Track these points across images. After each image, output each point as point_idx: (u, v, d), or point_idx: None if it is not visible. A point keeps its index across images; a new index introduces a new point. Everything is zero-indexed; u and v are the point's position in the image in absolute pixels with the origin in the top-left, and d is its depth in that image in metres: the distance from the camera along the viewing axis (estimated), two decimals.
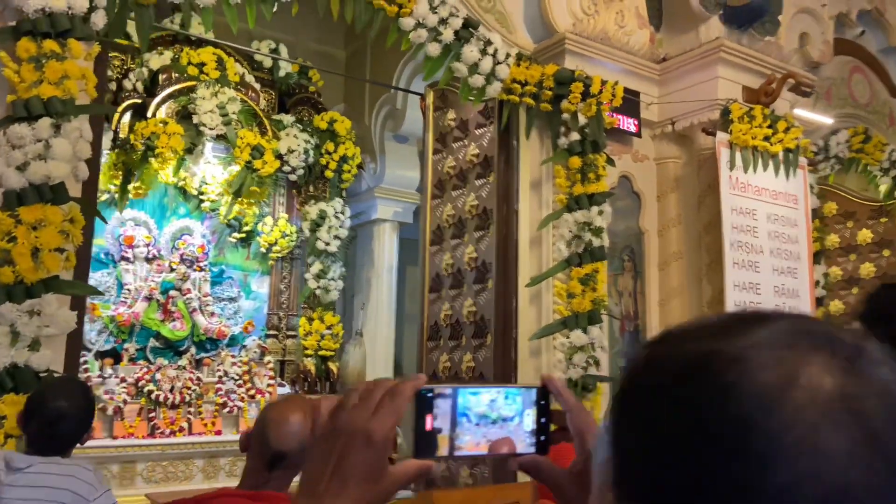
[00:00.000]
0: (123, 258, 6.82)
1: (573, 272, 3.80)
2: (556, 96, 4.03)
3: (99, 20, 2.50)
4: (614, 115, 4.19)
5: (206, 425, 6.33)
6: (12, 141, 2.22)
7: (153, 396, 6.15)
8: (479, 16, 3.98)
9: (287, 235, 7.32)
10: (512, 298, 4.14)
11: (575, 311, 3.75)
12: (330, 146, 6.84)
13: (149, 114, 5.83)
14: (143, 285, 6.78)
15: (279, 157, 6.49)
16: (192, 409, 6.33)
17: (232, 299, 7.49)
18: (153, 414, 6.14)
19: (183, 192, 7.31)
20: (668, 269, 4.46)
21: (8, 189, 2.22)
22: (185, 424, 6.21)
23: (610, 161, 4.10)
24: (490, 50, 3.89)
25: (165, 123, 5.75)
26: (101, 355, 6.51)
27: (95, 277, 6.75)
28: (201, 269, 7.18)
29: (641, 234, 4.52)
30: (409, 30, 3.67)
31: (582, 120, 3.91)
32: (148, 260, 6.96)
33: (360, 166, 7.22)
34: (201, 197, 7.33)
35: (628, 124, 4.35)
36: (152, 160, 5.85)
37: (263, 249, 7.54)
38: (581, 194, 3.85)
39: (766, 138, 4.14)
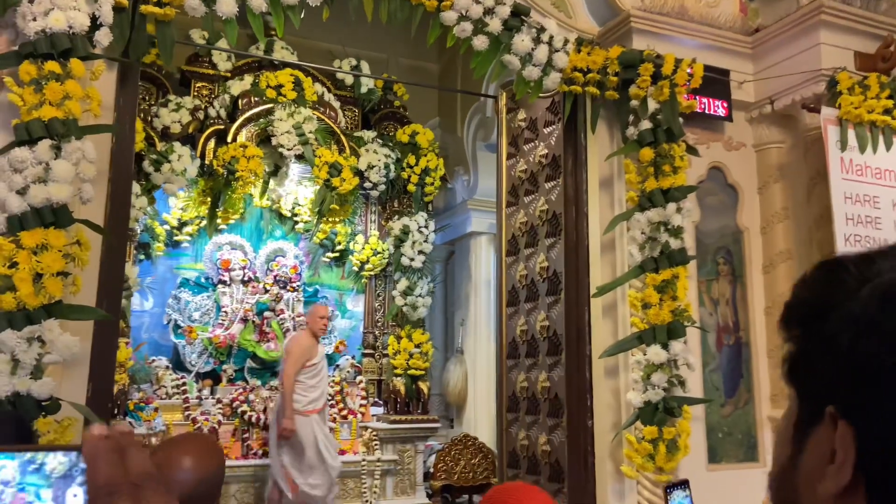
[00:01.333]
0: (221, 281, 7.09)
1: (648, 279, 3.36)
2: (624, 82, 3.62)
3: (103, 38, 2.49)
4: (696, 97, 3.71)
5: None
6: (14, 165, 2.24)
7: (246, 417, 6.29)
8: (530, 1, 3.67)
9: (378, 253, 7.29)
10: (584, 311, 3.75)
11: (652, 323, 3.30)
12: (411, 159, 6.74)
13: (229, 139, 6.02)
14: (239, 307, 7.00)
15: (359, 173, 6.48)
16: None
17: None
18: (247, 434, 6.27)
19: (278, 214, 7.52)
20: (775, 271, 3.87)
21: (10, 214, 2.23)
22: None
23: (691, 150, 3.62)
24: (544, 37, 3.56)
25: (245, 147, 5.91)
26: (201, 377, 6.79)
27: (196, 301, 7.09)
28: (294, 290, 7.32)
29: (740, 232, 3.96)
30: (451, 24, 3.44)
31: (652, 106, 3.48)
32: (244, 282, 7.19)
33: (444, 178, 7.05)
34: (295, 219, 7.50)
35: (716, 107, 3.84)
36: (235, 184, 6.02)
37: (356, 268, 7.57)
38: (654, 190, 3.41)
39: (887, 111, 3.47)
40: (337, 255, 7.61)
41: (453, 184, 8.84)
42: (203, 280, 7.17)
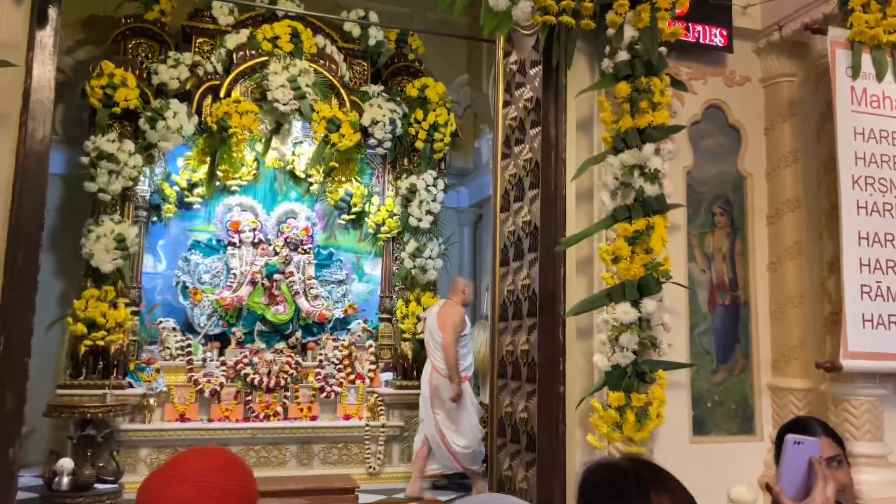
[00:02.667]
0: (231, 243, 7.08)
1: (619, 230, 3.04)
2: (602, 8, 3.26)
3: None
4: (688, 25, 3.31)
5: (301, 410, 6.35)
6: None
7: (249, 380, 6.30)
8: None
9: (395, 215, 7.12)
10: (559, 268, 3.46)
11: (622, 278, 3.00)
12: (419, 114, 6.48)
13: (222, 94, 5.92)
14: (249, 270, 6.99)
15: (363, 130, 6.28)
16: (288, 394, 6.39)
17: (340, 282, 7.48)
18: (249, 397, 6.29)
19: (291, 175, 7.44)
20: (780, 222, 3.47)
21: None
22: (280, 409, 6.28)
23: (678, 85, 3.24)
24: None
25: (238, 102, 5.80)
26: (210, 339, 6.84)
27: (206, 263, 7.11)
28: (305, 252, 7.25)
29: (742, 178, 3.57)
30: None
31: (630, 34, 3.12)
32: (254, 244, 7.16)
33: (455, 134, 6.77)
34: (309, 180, 7.40)
35: (713, 36, 3.43)
36: (230, 142, 5.94)
37: (372, 230, 7.43)
38: (629, 129, 3.07)
39: None
40: (353, 217, 7.48)
41: (479, 143, 8.55)
42: (214, 242, 7.19)
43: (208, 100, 6.03)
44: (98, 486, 4.98)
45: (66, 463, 4.79)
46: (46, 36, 2.83)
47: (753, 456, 3.36)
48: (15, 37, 2.63)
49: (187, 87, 6.06)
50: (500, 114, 4.78)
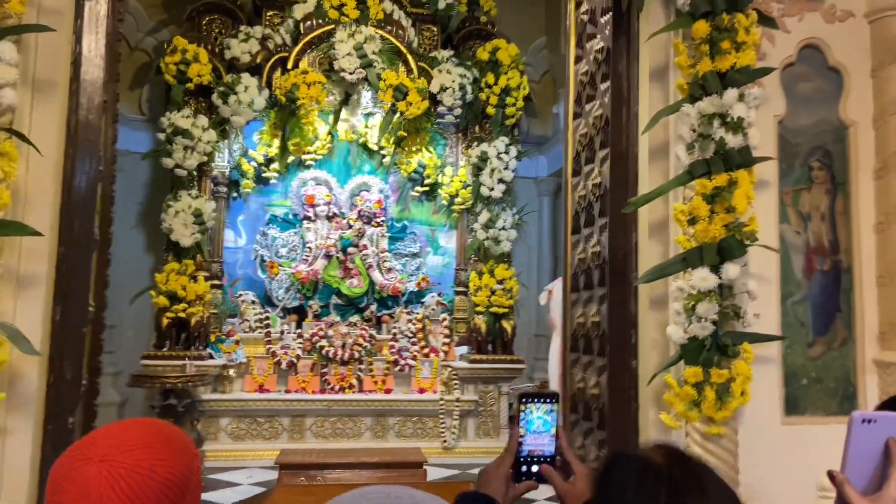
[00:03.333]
0: (306, 217, 7.14)
1: (697, 187, 2.74)
2: None
3: None
4: None
5: (376, 383, 6.35)
6: None
7: (324, 352, 6.35)
8: None
9: (469, 185, 6.96)
10: (630, 232, 3.19)
11: (700, 241, 2.71)
12: (490, 78, 6.23)
13: (289, 65, 5.89)
14: (323, 243, 7.03)
15: (432, 97, 6.11)
16: (362, 367, 6.40)
17: (414, 255, 7.41)
18: (325, 369, 6.34)
19: (365, 148, 7.40)
20: (889, 176, 3.04)
21: None
22: (354, 381, 6.30)
23: (766, 21, 2.87)
24: None
25: (305, 73, 5.75)
26: (288, 312, 6.95)
27: (283, 237, 7.20)
28: (378, 225, 7.21)
29: (844, 128, 3.15)
30: None
31: None
32: (328, 218, 7.19)
33: (528, 98, 6.47)
34: (382, 152, 7.34)
35: None
36: (299, 114, 5.91)
37: (446, 202, 7.30)
38: (708, 74, 2.75)
39: None
40: (426, 188, 7.37)
41: (558, 109, 8.20)
42: (290, 216, 7.27)
43: (278, 72, 6.03)
44: None
45: None
46: (97, 4, 2.81)
47: None
48: (60, 3, 2.61)
49: (258, 60, 6.08)
50: (572, 70, 4.48)
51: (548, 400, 1.26)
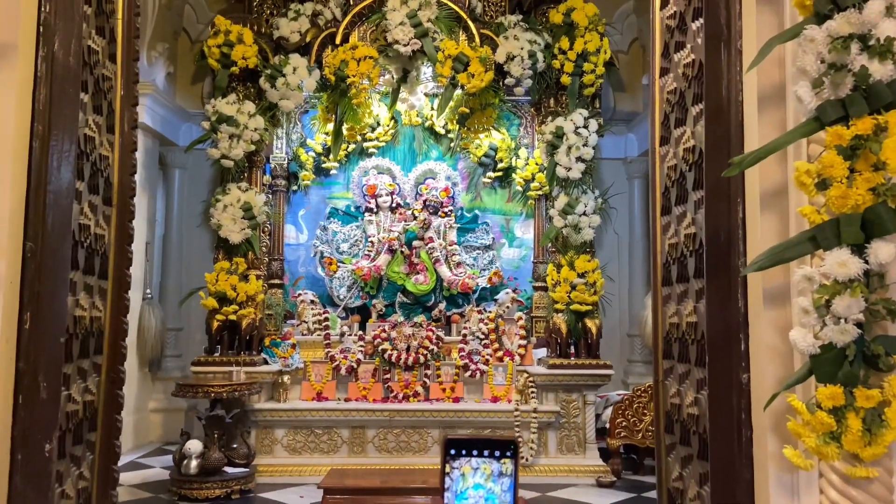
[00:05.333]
0: (368, 209, 6.74)
1: (829, 137, 2.03)
2: None
3: None
4: None
5: (444, 390, 5.83)
6: None
7: (387, 356, 5.89)
8: None
9: (545, 169, 6.33)
10: (735, 206, 2.50)
11: (835, 212, 2.01)
12: (564, 43, 5.56)
13: (338, 40, 5.46)
14: (387, 237, 6.59)
15: (498, 68, 5.51)
16: (429, 372, 5.91)
17: (486, 247, 6.85)
18: (388, 375, 5.89)
19: (431, 132, 6.91)
20: None
21: None
22: (420, 389, 5.82)
23: None
24: None
25: (354, 48, 5.29)
26: (351, 312, 6.55)
27: (344, 232, 6.82)
28: (446, 215, 6.70)
29: None
30: None
31: None
32: (392, 209, 6.75)
33: (610, 63, 5.75)
34: (450, 136, 6.83)
35: None
36: (351, 93, 5.47)
37: (520, 188, 6.71)
38: None
39: None
40: (499, 174, 6.81)
41: (649, 79, 7.42)
42: (352, 209, 6.89)
43: (328, 51, 5.63)
44: (228, 469, 4.84)
45: (194, 445, 4.68)
46: None
47: None
48: None
49: (307, 39, 5.71)
50: (658, 17, 3.77)
51: (494, 454, 0.71)
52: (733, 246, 2.52)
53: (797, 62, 2.20)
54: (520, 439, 5.53)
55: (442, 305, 6.47)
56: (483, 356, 5.95)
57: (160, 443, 6.70)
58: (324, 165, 6.77)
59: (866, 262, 1.96)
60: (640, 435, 5.68)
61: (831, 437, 2.02)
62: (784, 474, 2.30)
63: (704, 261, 2.69)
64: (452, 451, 0.67)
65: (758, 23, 2.47)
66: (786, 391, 2.16)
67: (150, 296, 6.55)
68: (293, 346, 5.90)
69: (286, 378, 5.66)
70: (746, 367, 2.45)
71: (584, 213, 5.68)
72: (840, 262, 1.98)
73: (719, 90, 2.62)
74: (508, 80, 5.66)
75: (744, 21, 2.54)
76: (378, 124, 6.69)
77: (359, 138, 6.55)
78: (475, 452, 0.70)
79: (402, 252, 6.53)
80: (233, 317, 5.52)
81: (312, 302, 6.34)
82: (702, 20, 2.88)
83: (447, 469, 0.69)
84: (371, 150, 6.79)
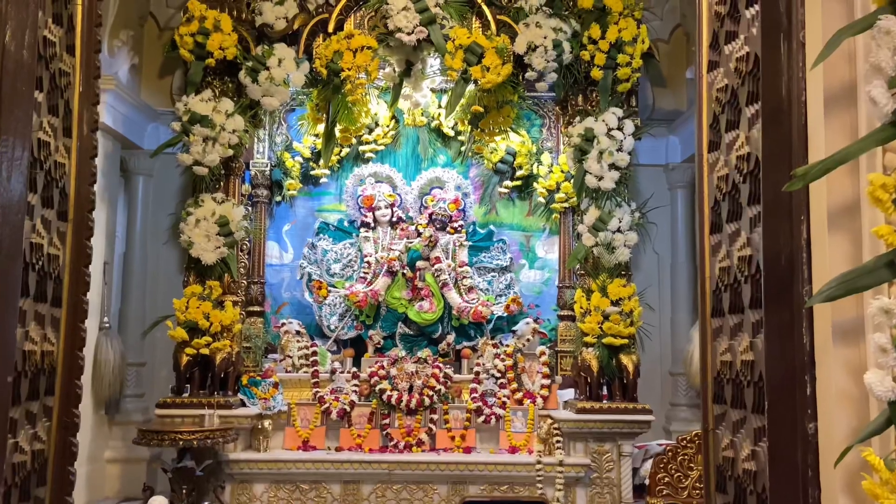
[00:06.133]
0: (363, 224, 6.79)
1: None
2: None
3: None
4: None
5: (453, 439, 5.84)
6: None
7: (385, 398, 5.90)
8: None
9: (572, 177, 6.36)
10: (799, 224, 2.52)
11: None
12: (594, 31, 5.61)
13: (331, 27, 5.53)
14: (386, 256, 6.62)
15: (518, 60, 5.56)
16: (435, 417, 5.91)
17: (503, 269, 6.88)
18: (387, 420, 5.90)
19: (439, 134, 6.97)
20: None
21: None
22: (425, 436, 5.82)
23: None
24: None
25: (350, 38, 5.37)
26: (344, 345, 6.57)
27: (336, 250, 6.86)
28: (455, 231, 6.73)
29: None
30: None
31: None
32: (392, 224, 6.80)
33: (649, 54, 5.80)
34: (460, 138, 6.89)
35: None
36: (345, 89, 5.53)
37: (543, 199, 6.75)
38: None
39: None
40: (518, 183, 6.86)
41: (693, 72, 7.47)
42: (346, 224, 6.94)
43: (319, 40, 5.71)
44: None
45: (159, 502, 4.68)
46: None
47: None
48: None
49: (294, 26, 5.79)
50: (705, 3, 3.83)
51: None
52: (796, 271, 2.53)
53: (870, 58, 2.23)
54: (543, 497, 5.52)
55: (450, 337, 6.47)
56: (499, 398, 5.95)
57: (117, 499, 6.69)
58: (313, 173, 6.82)
59: None
60: (686, 493, 5.64)
61: None
62: None
63: (762, 288, 2.70)
64: None
65: (823, 11, 2.50)
66: (860, 444, 2.16)
67: (107, 325, 6.58)
68: (275, 385, 5.92)
69: (267, 423, 5.67)
70: (813, 414, 2.45)
71: (619, 230, 5.70)
72: None
73: (778, 89, 2.65)
74: (529, 74, 5.71)
75: (807, 9, 2.57)
76: (377, 125, 6.75)
77: (354, 141, 6.61)
78: None
79: (403, 274, 6.56)
80: (205, 350, 5.55)
81: (298, 333, 6.36)
82: (758, 7, 2.92)
83: None
84: (368, 154, 6.84)
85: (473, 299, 6.47)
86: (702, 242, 3.75)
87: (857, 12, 2.42)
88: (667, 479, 5.68)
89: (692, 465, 5.69)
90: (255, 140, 6.38)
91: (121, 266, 7.25)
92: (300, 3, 5.87)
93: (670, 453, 5.70)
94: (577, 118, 5.90)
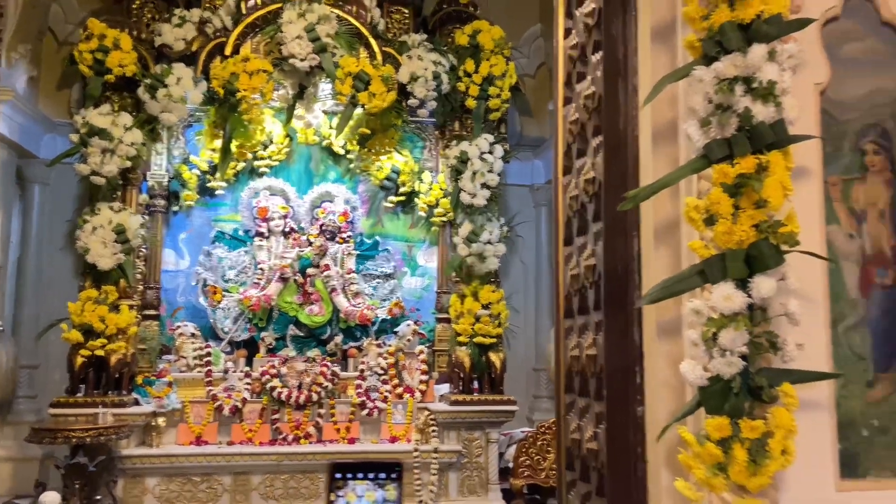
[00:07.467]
0: (258, 233, 6.67)
1: (715, 175, 2.26)
2: None
3: None
4: None
5: (338, 431, 5.82)
6: None
7: (276, 394, 5.83)
8: None
9: (450, 194, 6.49)
10: (631, 239, 2.71)
11: (721, 247, 2.23)
12: (469, 65, 5.79)
13: (228, 51, 5.45)
14: (278, 264, 6.54)
15: (402, 88, 5.66)
16: (322, 411, 5.88)
17: (387, 276, 6.93)
18: (277, 416, 5.82)
19: (329, 152, 6.95)
20: None
21: None
22: (312, 429, 5.78)
23: None
24: None
25: (246, 60, 5.31)
26: (235, 346, 6.44)
27: (231, 258, 6.71)
28: (344, 241, 6.74)
29: None
30: None
31: None
32: (285, 234, 6.72)
33: (516, 88, 6.03)
34: (349, 156, 6.89)
35: None
36: (241, 109, 5.45)
37: (424, 213, 6.85)
38: (727, 25, 2.29)
39: None
40: (402, 198, 6.93)
41: (555, 105, 7.78)
42: (241, 233, 6.80)
43: (217, 61, 5.60)
44: None
45: (51, 498, 4.46)
46: None
47: None
48: None
49: (193, 48, 5.65)
50: (561, 46, 4.03)
51: (375, 477, 0.74)
52: (630, 279, 2.72)
53: (687, 101, 2.45)
54: (419, 482, 5.58)
55: (338, 338, 6.47)
56: (382, 393, 5.99)
57: (9, 496, 6.27)
58: (209, 185, 6.66)
59: (750, 296, 2.19)
60: (545, 474, 5.86)
61: (719, 469, 2.22)
62: None
63: (602, 293, 2.89)
64: (338, 476, 0.72)
65: (653, 61, 2.71)
66: (677, 423, 2.35)
67: (1, 328, 6.18)
68: (169, 384, 5.73)
69: (161, 420, 5.47)
70: (641, 400, 2.64)
71: (490, 242, 5.88)
72: (725, 295, 2.20)
73: (616, 124, 2.84)
74: (412, 101, 5.82)
75: (640, 58, 2.77)
76: (271, 142, 6.67)
77: (250, 156, 6.51)
78: (360, 476, 0.75)
79: (295, 280, 6.50)
80: (100, 352, 5.30)
81: (193, 335, 6.18)
82: (601, 53, 3.13)
83: (332, 498, 0.74)
84: (263, 169, 6.75)
85: (359, 303, 6.48)
86: (556, 253, 3.94)
87: (679, 62, 2.63)
88: (528, 461, 5.89)
89: (549, 448, 5.92)
90: (154, 153, 6.17)
91: (15, 271, 6.82)
92: (199, 26, 5.73)
93: (531, 439, 5.92)
94: (454, 142, 6.04)
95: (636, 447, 2.64)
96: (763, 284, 2.18)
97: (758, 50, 2.26)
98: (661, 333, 2.59)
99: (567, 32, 3.91)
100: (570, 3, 3.79)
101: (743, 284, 2.20)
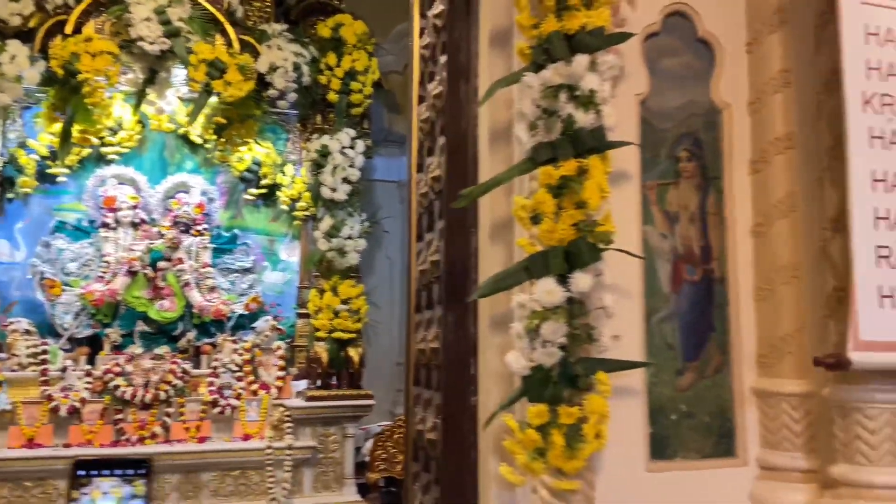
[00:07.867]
0: (104, 224, 6.34)
1: (541, 176, 2.40)
2: None
3: None
4: None
5: (187, 430, 5.66)
6: None
7: (119, 394, 5.59)
8: None
9: (312, 188, 6.44)
10: (470, 235, 2.83)
11: (545, 244, 2.37)
12: (331, 59, 5.77)
13: (68, 29, 5.16)
14: (126, 256, 6.26)
15: (261, 78, 5.57)
16: (171, 410, 5.69)
17: (246, 270, 6.78)
18: (120, 416, 5.58)
19: (186, 141, 6.71)
20: (768, 168, 2.87)
21: None
22: (159, 429, 5.58)
23: None
24: None
25: (89, 41, 5.04)
26: (77, 343, 6.10)
27: (73, 249, 6.35)
28: (199, 234, 6.53)
29: (716, 111, 2.96)
30: None
31: None
32: (134, 225, 6.43)
33: (378, 84, 6.08)
34: (206, 146, 6.69)
35: None
36: (84, 92, 5.18)
37: (286, 207, 6.76)
38: (554, 35, 2.43)
39: None
40: (263, 191, 6.80)
41: (409, 104, 7.89)
42: (85, 223, 6.44)
43: (58, 40, 5.28)
44: None
45: None
46: None
47: (734, 485, 2.77)
48: None
49: (31, 24, 5.30)
50: (416, 44, 4.12)
51: (123, 473, 0.76)
52: (469, 274, 2.84)
53: (517, 105, 2.59)
54: (272, 480, 5.53)
55: (191, 335, 6.26)
56: (236, 390, 5.87)
57: None
58: (49, 171, 6.26)
59: (570, 290, 2.35)
60: (400, 467, 5.96)
61: (539, 454, 2.37)
62: (504, 492, 2.63)
63: (443, 288, 3.00)
64: (82, 473, 0.73)
65: (490, 64, 2.84)
66: (503, 411, 2.49)
67: None
68: (0, 384, 5.36)
69: None
70: (475, 390, 2.77)
71: (350, 237, 5.89)
72: (547, 290, 2.35)
73: (458, 124, 2.96)
74: (272, 92, 5.73)
75: (480, 61, 2.90)
76: (120, 128, 6.36)
77: (96, 142, 6.18)
78: (106, 472, 0.76)
79: (145, 274, 6.23)
80: None
81: (27, 332, 5.79)
82: (447, 55, 3.23)
83: (75, 496, 0.74)
84: (112, 156, 6.43)
85: (215, 298, 6.31)
86: (409, 249, 4.04)
87: (514, 67, 2.77)
88: (384, 455, 5.98)
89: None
90: None
91: None
92: (38, 2, 5.38)
93: (387, 433, 6.01)
94: (316, 135, 6.01)
95: (469, 435, 2.77)
96: (581, 280, 2.35)
97: (581, 60, 2.42)
98: (494, 326, 2.73)
99: (421, 32, 4.01)
100: (423, 3, 3.89)
101: (563, 280, 2.35)
